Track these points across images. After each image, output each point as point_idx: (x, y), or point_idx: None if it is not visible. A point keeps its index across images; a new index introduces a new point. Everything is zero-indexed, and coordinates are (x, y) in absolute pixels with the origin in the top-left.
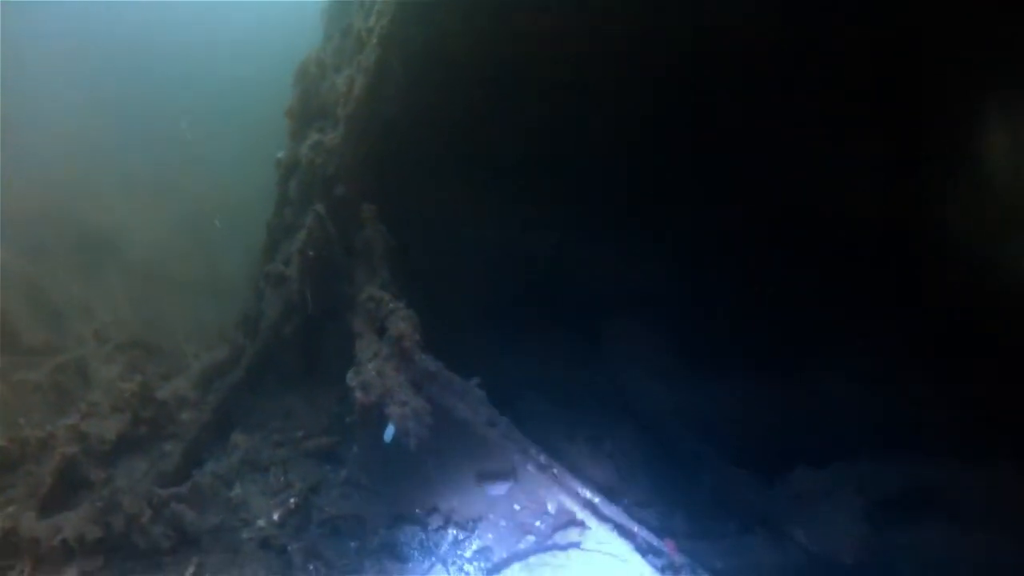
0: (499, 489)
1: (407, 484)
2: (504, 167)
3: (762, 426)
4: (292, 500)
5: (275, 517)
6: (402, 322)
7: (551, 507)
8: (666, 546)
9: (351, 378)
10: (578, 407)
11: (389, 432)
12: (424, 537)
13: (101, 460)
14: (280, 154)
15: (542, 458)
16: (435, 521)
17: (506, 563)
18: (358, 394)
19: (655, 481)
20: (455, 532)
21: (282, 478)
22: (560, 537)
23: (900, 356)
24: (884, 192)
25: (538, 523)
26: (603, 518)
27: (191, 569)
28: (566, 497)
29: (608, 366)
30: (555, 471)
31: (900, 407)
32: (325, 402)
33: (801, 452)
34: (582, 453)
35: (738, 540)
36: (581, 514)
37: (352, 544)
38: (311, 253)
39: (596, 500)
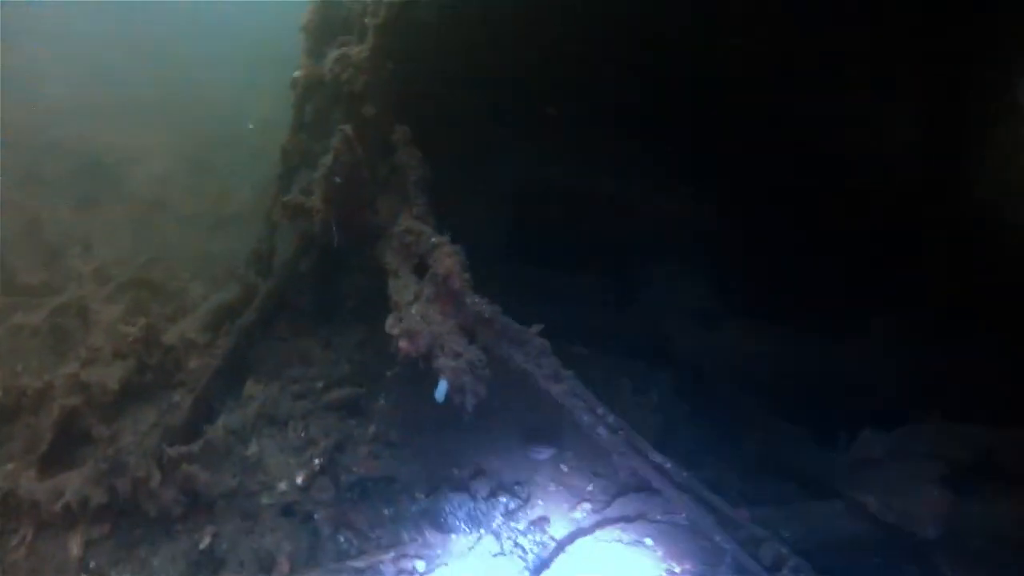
0: (549, 452)
1: (444, 442)
2: (539, 93)
3: (817, 382)
4: (317, 461)
5: (298, 480)
6: (448, 258)
7: (622, 473)
8: (739, 516)
9: (392, 325)
10: (617, 355)
11: (441, 390)
12: (472, 506)
13: (104, 411)
14: (296, 72)
15: (611, 419)
16: (482, 486)
17: (570, 539)
18: (402, 343)
19: (704, 438)
20: (506, 500)
21: (303, 434)
22: (628, 506)
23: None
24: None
25: (601, 490)
26: (675, 485)
27: (207, 539)
28: (638, 462)
29: (646, 312)
30: (625, 433)
31: (966, 370)
32: (345, 347)
33: (863, 413)
34: (629, 405)
35: (801, 506)
36: (653, 481)
37: (386, 511)
38: (338, 179)
39: (667, 465)
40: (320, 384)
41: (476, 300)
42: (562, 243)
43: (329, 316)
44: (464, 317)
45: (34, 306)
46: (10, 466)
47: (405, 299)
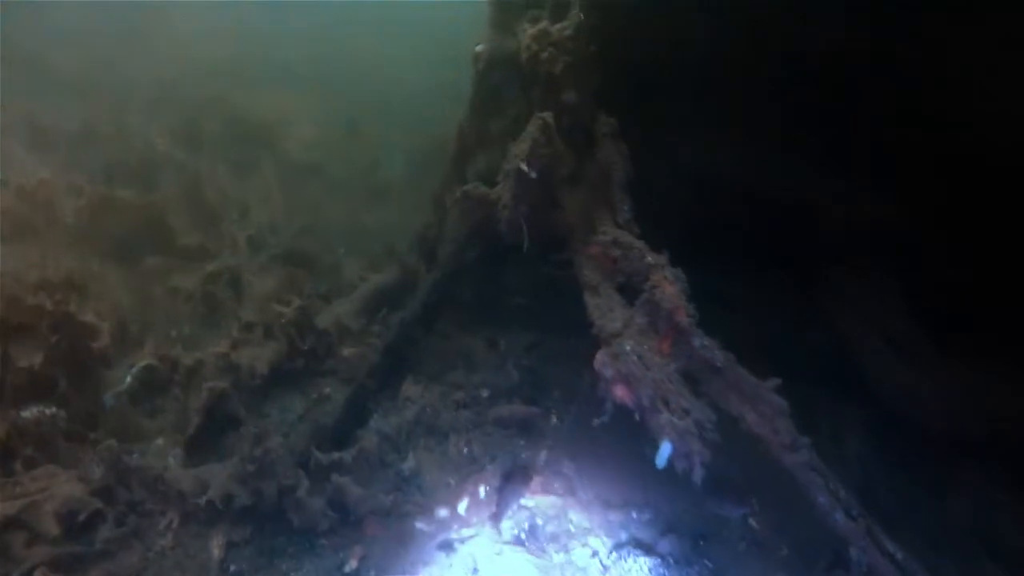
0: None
1: (622, 478)
2: (743, 80)
3: None
4: (482, 488)
5: (460, 509)
6: (670, 286)
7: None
8: None
9: (603, 363)
10: (801, 379)
11: (664, 454)
12: (660, 571)
13: (252, 395)
14: (479, 47)
15: (851, 502)
16: (670, 546)
17: None
18: (618, 390)
19: (906, 504)
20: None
21: (465, 450)
22: None
23: None
24: None
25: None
26: None
27: (353, 562)
28: (878, 558)
29: (834, 329)
30: (865, 522)
31: None
32: (512, 350)
33: None
34: (828, 455)
35: None
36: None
37: (558, 556)
38: (533, 174)
39: (899, 556)
40: (485, 393)
41: (706, 343)
42: (741, 245)
43: (494, 312)
44: (689, 361)
45: (191, 270)
46: (160, 441)
47: (613, 328)
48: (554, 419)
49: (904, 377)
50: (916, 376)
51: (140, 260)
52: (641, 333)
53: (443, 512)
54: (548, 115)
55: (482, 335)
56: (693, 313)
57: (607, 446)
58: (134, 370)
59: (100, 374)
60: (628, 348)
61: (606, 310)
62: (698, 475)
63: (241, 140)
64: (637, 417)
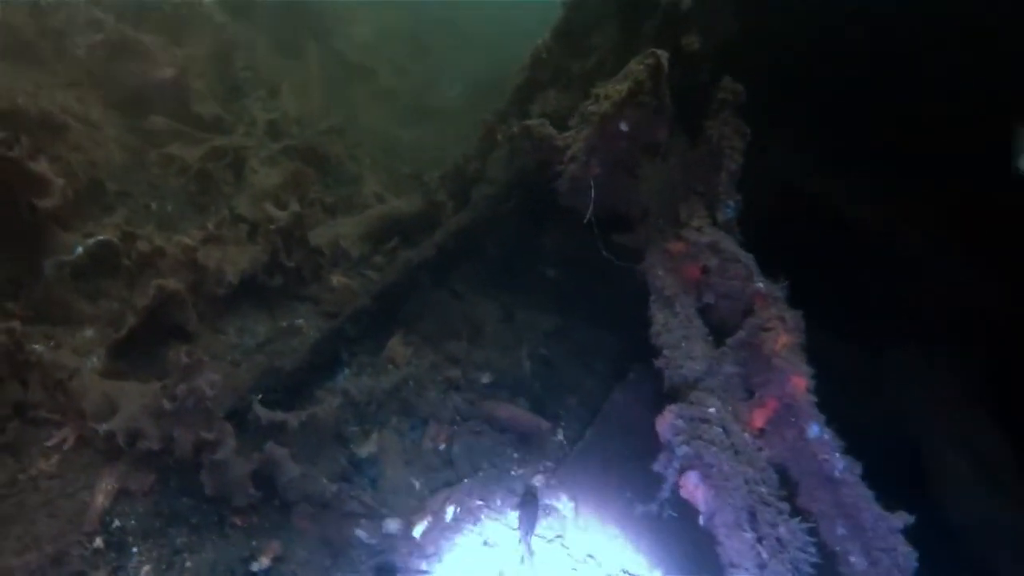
0: None
1: (628, 537)
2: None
3: None
4: (450, 509)
5: (414, 531)
6: (787, 335)
7: None
8: None
9: (676, 431)
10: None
11: None
12: None
13: (212, 305)
14: None
15: None
16: None
17: None
18: (691, 483)
19: None
20: None
21: (442, 446)
22: None
23: None
24: None
25: None
26: None
27: (265, 560)
28: None
29: (898, 418)
30: None
31: None
32: (530, 331)
33: None
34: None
35: None
36: None
37: None
38: (623, 126)
39: None
40: (486, 379)
41: (826, 436)
42: (810, 284)
43: (520, 279)
44: (792, 455)
45: (196, 141)
46: (89, 332)
47: (691, 371)
48: (560, 435)
49: (977, 501)
50: (992, 503)
51: (144, 117)
52: (727, 389)
53: (393, 527)
54: (663, 54)
55: (499, 303)
56: (812, 387)
57: (617, 488)
58: (90, 242)
59: (48, 236)
60: (713, 411)
61: (679, 337)
62: None
63: (295, 22)
64: (702, 523)
